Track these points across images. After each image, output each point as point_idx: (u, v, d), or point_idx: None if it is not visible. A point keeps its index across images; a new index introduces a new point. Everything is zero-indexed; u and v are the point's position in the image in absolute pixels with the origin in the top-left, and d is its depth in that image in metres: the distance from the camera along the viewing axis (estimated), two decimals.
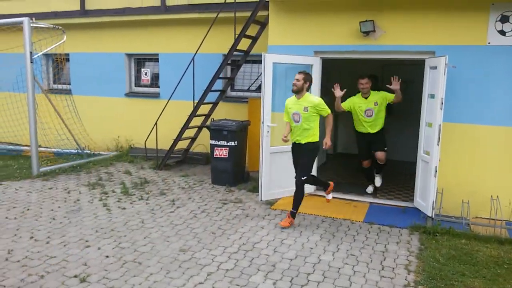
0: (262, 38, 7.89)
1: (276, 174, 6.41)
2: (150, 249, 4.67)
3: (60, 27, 8.45)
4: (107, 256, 4.45)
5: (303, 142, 5.43)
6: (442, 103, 5.50)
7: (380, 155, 6.49)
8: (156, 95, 9.74)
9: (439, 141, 5.59)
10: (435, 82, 5.63)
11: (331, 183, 5.84)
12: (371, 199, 6.56)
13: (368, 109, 6.33)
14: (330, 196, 5.88)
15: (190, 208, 6.10)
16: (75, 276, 4.00)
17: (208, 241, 4.92)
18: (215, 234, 5.14)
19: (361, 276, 4.18)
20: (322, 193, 6.82)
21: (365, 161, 6.72)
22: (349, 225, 5.56)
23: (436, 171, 5.66)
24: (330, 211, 6.02)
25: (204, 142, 8.76)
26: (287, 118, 5.62)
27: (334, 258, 4.55)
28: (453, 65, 5.55)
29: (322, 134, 5.54)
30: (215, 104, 8.46)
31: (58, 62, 10.09)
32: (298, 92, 5.40)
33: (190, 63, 8.06)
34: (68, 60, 10.43)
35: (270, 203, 6.35)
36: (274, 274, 4.17)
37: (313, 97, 5.50)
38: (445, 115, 5.61)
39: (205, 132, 8.09)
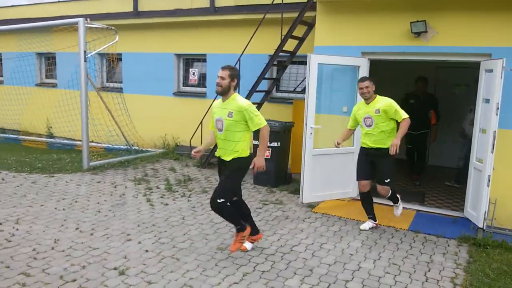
0: (309, 39, 7.78)
1: (319, 176, 6.29)
2: (188, 245, 4.72)
3: (113, 28, 8.75)
4: (146, 251, 4.54)
5: (227, 159, 4.33)
6: (498, 108, 5.18)
7: (380, 189, 5.30)
8: (202, 95, 9.88)
9: (493, 149, 5.27)
10: (491, 86, 5.31)
11: (248, 229, 4.53)
12: (418, 207, 6.29)
13: (367, 116, 5.21)
14: (249, 246, 4.63)
15: None
16: (115, 269, 4.10)
17: None
18: None
19: (402, 286, 4.00)
20: None
21: (362, 181, 5.36)
22: (393, 232, 5.36)
23: (489, 180, 5.33)
24: None
25: None
26: (212, 126, 4.54)
27: (375, 266, 4.39)
28: (510, 68, 5.21)
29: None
30: (260, 105, 8.43)
31: (111, 61, 10.47)
32: (223, 93, 4.31)
33: (236, 64, 8.10)
34: (120, 59, 10.81)
35: (311, 206, 6.25)
36: (310, 279, 4.08)
37: (241, 99, 4.31)
38: (501, 121, 5.28)
39: None
